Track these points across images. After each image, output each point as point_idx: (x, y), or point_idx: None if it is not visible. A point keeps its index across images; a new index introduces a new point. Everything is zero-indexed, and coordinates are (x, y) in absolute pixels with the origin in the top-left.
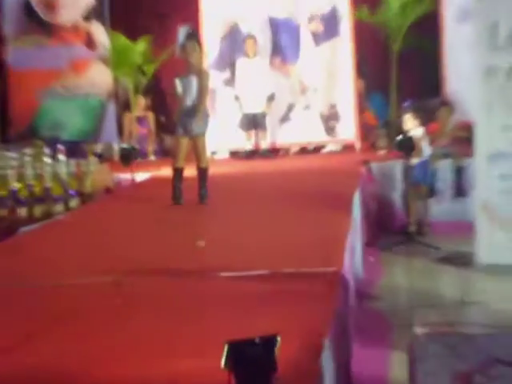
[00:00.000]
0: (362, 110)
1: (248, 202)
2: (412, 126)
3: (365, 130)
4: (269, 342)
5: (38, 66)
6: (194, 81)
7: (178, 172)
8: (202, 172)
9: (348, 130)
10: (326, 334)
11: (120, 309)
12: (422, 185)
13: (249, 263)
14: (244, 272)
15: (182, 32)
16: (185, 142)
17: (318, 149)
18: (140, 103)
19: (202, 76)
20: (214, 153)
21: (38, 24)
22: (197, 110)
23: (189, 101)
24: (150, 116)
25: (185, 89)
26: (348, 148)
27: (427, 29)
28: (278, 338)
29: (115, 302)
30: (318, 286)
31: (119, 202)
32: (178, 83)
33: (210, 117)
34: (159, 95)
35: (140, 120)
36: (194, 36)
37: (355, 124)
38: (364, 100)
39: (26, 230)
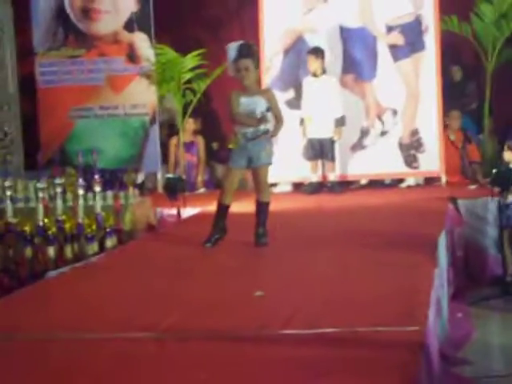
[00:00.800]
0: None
1: (313, 245)
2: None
3: (464, 165)
4: None
5: (71, 82)
6: (259, 102)
7: (222, 209)
8: (262, 207)
9: (432, 160)
10: None
11: (165, 373)
12: None
13: (313, 320)
14: (308, 330)
15: (231, 48)
16: (238, 175)
17: (395, 182)
18: (189, 127)
19: (270, 96)
20: (273, 185)
21: (72, 34)
22: (261, 136)
23: (251, 125)
24: (200, 141)
25: (246, 110)
26: (431, 182)
27: None
28: None
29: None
30: (396, 350)
31: (162, 241)
32: (235, 102)
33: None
34: (211, 118)
35: (188, 146)
36: (247, 53)
37: (440, 154)
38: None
39: (54, 273)
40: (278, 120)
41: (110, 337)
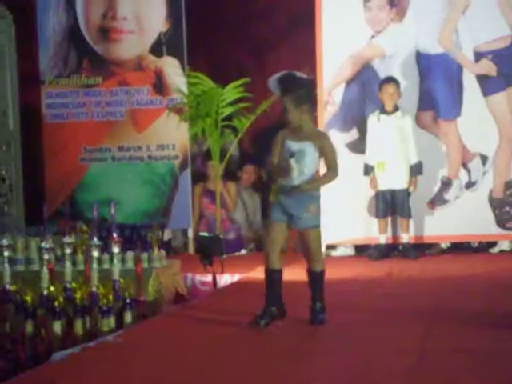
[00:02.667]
0: None
1: (381, 325)
2: None
3: None
4: None
5: (84, 116)
6: (307, 148)
7: (271, 275)
8: (316, 277)
9: None
10: None
11: None
12: None
13: None
14: None
15: (271, 82)
16: (281, 231)
17: (485, 246)
18: (215, 172)
19: (323, 142)
20: (331, 248)
21: (87, 58)
22: (295, 191)
23: (296, 176)
24: (232, 188)
25: (292, 157)
26: None
27: None
28: None
29: None
30: None
31: (195, 316)
32: (278, 146)
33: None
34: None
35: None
36: (286, 88)
37: None
38: None
39: (60, 355)
40: (330, 169)
41: None
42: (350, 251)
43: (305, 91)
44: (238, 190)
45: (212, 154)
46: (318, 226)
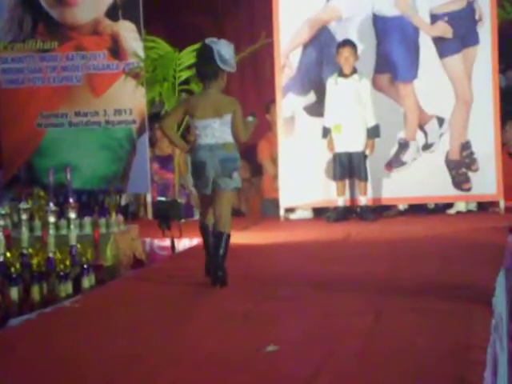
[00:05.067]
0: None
1: (338, 287)
2: None
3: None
4: None
5: (40, 81)
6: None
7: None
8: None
9: (487, 181)
10: None
11: None
12: None
13: (340, 381)
14: None
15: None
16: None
17: (441, 208)
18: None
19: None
20: (289, 211)
21: (42, 23)
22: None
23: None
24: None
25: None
26: (486, 207)
27: None
28: None
29: None
30: None
31: (152, 280)
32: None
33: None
34: None
35: (163, 161)
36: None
37: (497, 173)
38: None
39: (17, 321)
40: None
41: None
42: (309, 214)
43: (219, 62)
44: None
45: None
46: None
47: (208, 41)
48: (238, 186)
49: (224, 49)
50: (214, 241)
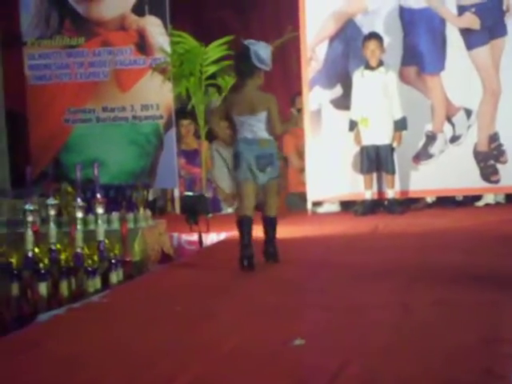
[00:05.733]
0: None
1: (365, 280)
2: None
3: None
4: None
5: (67, 77)
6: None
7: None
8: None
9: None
10: None
11: None
12: None
13: (368, 375)
14: None
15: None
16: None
17: (469, 200)
18: (186, 131)
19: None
20: (317, 204)
21: (69, 19)
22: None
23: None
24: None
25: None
26: None
27: None
28: None
29: None
30: None
31: (180, 275)
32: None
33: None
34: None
35: (191, 155)
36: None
37: None
38: None
39: (46, 316)
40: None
41: None
42: (336, 208)
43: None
44: (215, 149)
45: (197, 113)
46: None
47: (246, 42)
48: (275, 176)
49: (261, 49)
50: (265, 225)
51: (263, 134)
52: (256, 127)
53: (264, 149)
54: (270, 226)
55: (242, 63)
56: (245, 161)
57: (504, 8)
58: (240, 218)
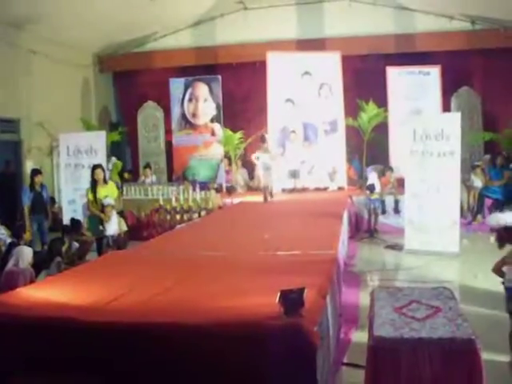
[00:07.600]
0: (349, 168)
1: (291, 215)
2: (374, 180)
3: (349, 180)
4: (300, 291)
5: (187, 144)
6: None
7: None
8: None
9: (341, 179)
10: (328, 287)
11: (221, 271)
12: (377, 209)
13: (290, 247)
14: (288, 252)
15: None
16: None
17: (325, 188)
18: (238, 163)
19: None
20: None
21: (188, 123)
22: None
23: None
24: (242, 170)
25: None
26: (341, 189)
27: (381, 129)
28: (305, 289)
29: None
30: (322, 261)
31: (226, 212)
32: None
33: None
34: (248, 160)
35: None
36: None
37: (345, 176)
38: (350, 164)
39: (179, 226)
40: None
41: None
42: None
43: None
44: None
45: None
46: None
47: None
48: None
49: None
50: None
51: None
52: None
53: None
54: None
55: None
56: None
57: (337, 123)
58: None
